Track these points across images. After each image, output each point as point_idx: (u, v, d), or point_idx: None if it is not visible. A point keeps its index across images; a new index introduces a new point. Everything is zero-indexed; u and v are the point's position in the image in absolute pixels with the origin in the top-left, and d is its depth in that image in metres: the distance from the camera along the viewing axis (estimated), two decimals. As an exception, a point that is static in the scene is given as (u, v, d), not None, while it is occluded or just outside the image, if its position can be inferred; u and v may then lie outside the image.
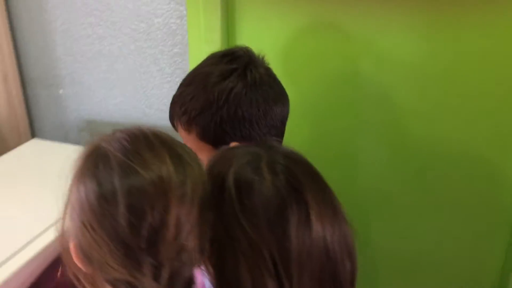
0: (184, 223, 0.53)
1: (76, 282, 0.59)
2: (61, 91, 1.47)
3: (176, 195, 0.53)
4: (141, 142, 0.56)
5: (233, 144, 0.83)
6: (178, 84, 0.88)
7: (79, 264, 0.57)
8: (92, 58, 1.39)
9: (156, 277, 0.53)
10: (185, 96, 0.85)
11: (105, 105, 1.44)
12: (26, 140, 1.49)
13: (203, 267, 0.62)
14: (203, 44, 1.28)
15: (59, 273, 0.77)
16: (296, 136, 1.34)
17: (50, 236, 0.95)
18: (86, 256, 0.55)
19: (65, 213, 0.58)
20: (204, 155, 0.72)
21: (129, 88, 1.39)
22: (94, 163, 0.54)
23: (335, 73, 1.25)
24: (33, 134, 1.57)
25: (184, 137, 0.87)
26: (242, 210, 0.58)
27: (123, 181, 0.52)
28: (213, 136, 0.84)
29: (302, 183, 0.60)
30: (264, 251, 0.57)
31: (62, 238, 0.59)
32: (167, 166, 0.54)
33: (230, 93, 0.82)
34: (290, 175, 0.60)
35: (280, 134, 0.92)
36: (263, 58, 0.91)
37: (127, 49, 1.35)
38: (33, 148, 1.32)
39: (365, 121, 1.25)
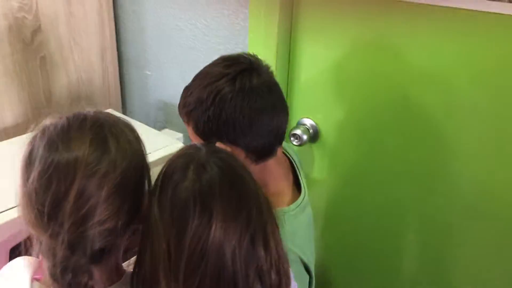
0: (88, 197, 0.63)
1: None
2: (148, 72, 1.66)
3: (84, 173, 0.64)
4: (75, 124, 0.68)
5: (218, 144, 0.89)
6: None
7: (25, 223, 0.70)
8: (172, 47, 1.56)
9: (59, 241, 0.64)
10: (187, 90, 0.94)
11: (179, 89, 1.60)
12: (118, 111, 1.72)
13: None
14: (261, 47, 1.36)
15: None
16: (351, 151, 1.36)
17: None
18: (23, 215, 0.68)
19: None
20: None
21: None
22: (37, 134, 0.67)
23: (387, 92, 1.25)
24: (124, 111, 1.80)
25: (186, 128, 0.96)
26: (158, 201, 0.66)
27: (44, 153, 0.64)
28: (202, 133, 0.91)
29: (216, 194, 0.65)
30: (163, 243, 0.64)
31: None
32: (85, 147, 0.65)
33: (216, 95, 0.87)
34: (210, 182, 0.66)
35: (269, 145, 0.94)
36: (267, 67, 0.94)
37: (199, 42, 1.48)
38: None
39: (413, 140, 1.24)
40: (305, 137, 1.40)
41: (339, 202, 1.47)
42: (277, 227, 0.72)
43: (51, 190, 0.64)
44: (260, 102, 0.89)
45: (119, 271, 0.76)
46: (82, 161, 0.65)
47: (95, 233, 0.65)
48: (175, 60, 1.58)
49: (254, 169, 0.93)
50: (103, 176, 0.65)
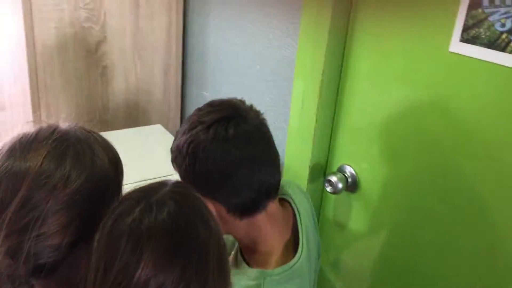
0: (32, 208, 0.64)
1: None
2: (205, 93, 1.67)
3: (31, 182, 0.65)
4: (42, 135, 0.70)
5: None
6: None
7: None
8: (227, 71, 1.55)
9: (2, 247, 0.65)
10: (176, 135, 0.89)
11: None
12: (175, 127, 1.76)
13: None
14: (303, 84, 1.30)
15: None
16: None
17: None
18: None
19: None
20: None
21: (252, 96, 1.50)
22: (12, 138, 0.71)
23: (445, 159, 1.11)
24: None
25: None
26: (102, 227, 0.65)
27: (2, 160, 0.66)
28: (187, 183, 0.84)
29: (153, 237, 0.62)
30: (93, 271, 0.63)
31: None
32: (39, 159, 0.66)
33: (189, 144, 0.82)
34: (151, 225, 0.63)
35: (252, 201, 0.85)
36: (256, 115, 0.87)
37: (250, 70, 1.45)
38: (150, 132, 1.56)
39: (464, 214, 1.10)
40: (340, 185, 1.30)
41: (369, 258, 1.34)
42: (225, 282, 0.68)
43: None
44: (235, 154, 0.81)
45: None
46: (32, 171, 0.66)
47: (39, 247, 0.65)
48: (228, 84, 1.57)
49: (240, 225, 0.88)
50: (52, 189, 0.65)
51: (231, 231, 0.92)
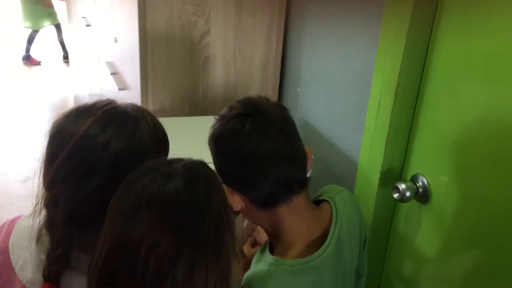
0: (76, 161, 0.78)
1: None
2: (298, 89, 1.72)
3: (78, 143, 0.78)
4: (97, 106, 0.83)
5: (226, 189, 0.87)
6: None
7: None
8: (318, 69, 1.59)
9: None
10: None
11: (318, 110, 1.62)
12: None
13: None
14: (380, 86, 1.28)
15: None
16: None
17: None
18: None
19: None
20: None
21: (336, 95, 1.52)
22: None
23: None
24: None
25: None
26: (118, 188, 0.74)
27: (60, 121, 0.82)
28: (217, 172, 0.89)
29: (150, 204, 0.70)
30: (104, 225, 0.72)
31: None
32: (86, 125, 0.80)
33: (212, 138, 0.91)
34: (150, 193, 0.70)
35: (270, 195, 0.88)
36: (277, 112, 0.89)
37: (338, 70, 1.47)
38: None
39: None
40: (408, 193, 1.25)
41: (432, 271, 1.28)
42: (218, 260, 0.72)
43: (51, 148, 0.80)
44: (250, 147, 0.85)
45: None
46: (79, 133, 0.79)
47: (77, 198, 0.78)
48: (318, 83, 1.60)
49: (263, 215, 0.92)
50: (93, 149, 0.78)
51: (256, 221, 0.96)
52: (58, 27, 5.70)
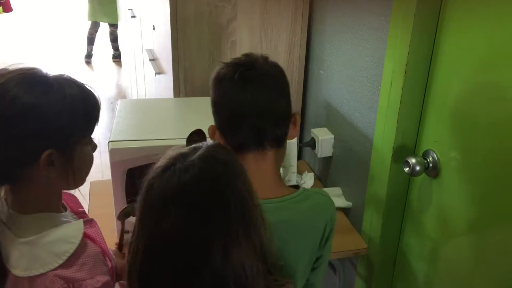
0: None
1: None
2: (322, 72, 1.79)
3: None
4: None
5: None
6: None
7: None
8: (339, 51, 1.65)
9: None
10: None
11: (339, 92, 1.69)
12: (297, 101, 1.93)
13: None
14: (391, 62, 1.33)
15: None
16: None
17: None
18: None
19: None
20: None
21: (354, 74, 1.59)
22: None
23: None
24: (304, 104, 1.98)
25: None
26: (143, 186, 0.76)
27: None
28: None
29: (175, 197, 0.72)
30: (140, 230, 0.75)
31: None
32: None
33: (211, 80, 1.01)
34: (172, 188, 0.72)
35: (243, 142, 0.97)
36: (266, 66, 0.98)
37: (355, 51, 1.53)
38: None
39: None
40: (418, 168, 1.31)
41: (443, 244, 1.33)
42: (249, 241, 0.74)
43: None
44: (232, 94, 0.95)
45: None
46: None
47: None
48: (339, 65, 1.66)
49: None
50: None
51: None
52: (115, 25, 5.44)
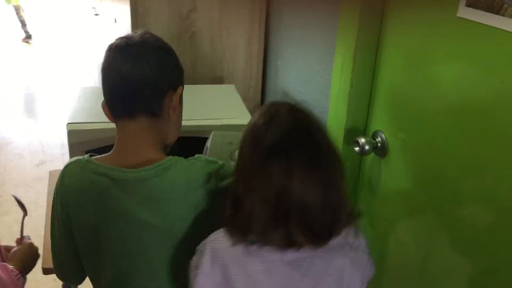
0: None
1: None
2: (279, 63, 1.86)
3: None
4: None
5: None
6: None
7: None
8: (292, 45, 1.72)
9: None
10: None
11: (294, 83, 1.76)
12: (255, 93, 1.99)
13: None
14: (342, 48, 1.40)
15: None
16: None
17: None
18: None
19: None
20: None
21: (308, 73, 1.65)
22: None
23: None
24: (263, 93, 2.04)
25: None
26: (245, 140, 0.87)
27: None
28: None
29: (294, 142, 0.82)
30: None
31: None
32: None
33: None
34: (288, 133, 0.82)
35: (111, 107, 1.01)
36: (140, 37, 1.00)
37: (306, 47, 1.60)
38: (223, 90, 1.78)
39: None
40: (367, 147, 1.38)
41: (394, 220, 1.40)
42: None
43: None
44: (106, 62, 0.99)
45: None
46: None
47: None
48: (293, 58, 1.73)
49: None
50: None
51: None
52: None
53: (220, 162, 1.04)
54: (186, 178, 0.98)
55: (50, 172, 1.74)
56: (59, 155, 3.50)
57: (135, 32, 1.01)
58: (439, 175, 1.21)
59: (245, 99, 1.75)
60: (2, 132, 3.89)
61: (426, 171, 1.25)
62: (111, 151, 1.02)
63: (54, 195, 1.03)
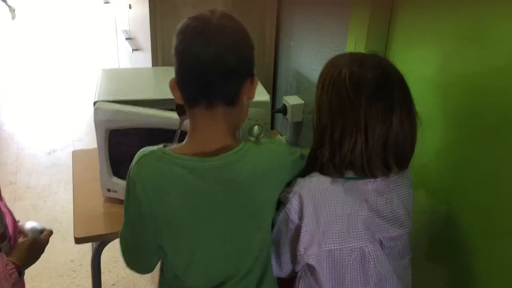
0: None
1: None
2: (291, 43, 1.90)
3: None
4: None
5: None
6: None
7: None
8: (306, 23, 1.76)
9: None
10: None
11: (307, 63, 1.80)
12: (269, 69, 2.03)
13: None
14: (353, 37, 1.44)
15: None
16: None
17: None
18: None
19: None
20: None
21: (322, 52, 1.70)
22: None
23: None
24: (275, 73, 2.08)
25: None
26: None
27: None
28: None
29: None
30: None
31: None
32: None
33: None
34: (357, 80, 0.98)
35: (190, 96, 0.98)
36: (222, 20, 0.95)
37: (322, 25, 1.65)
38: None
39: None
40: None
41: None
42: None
43: None
44: (181, 47, 0.93)
45: None
46: None
47: None
48: (308, 37, 1.78)
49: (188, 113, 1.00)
50: None
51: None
52: None
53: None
54: (269, 160, 1.03)
55: (72, 152, 1.79)
56: (69, 143, 3.55)
57: (209, 12, 0.95)
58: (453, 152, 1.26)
59: (257, 78, 1.79)
60: (12, 121, 3.94)
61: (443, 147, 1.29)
62: (186, 140, 1.01)
63: (127, 190, 1.00)
